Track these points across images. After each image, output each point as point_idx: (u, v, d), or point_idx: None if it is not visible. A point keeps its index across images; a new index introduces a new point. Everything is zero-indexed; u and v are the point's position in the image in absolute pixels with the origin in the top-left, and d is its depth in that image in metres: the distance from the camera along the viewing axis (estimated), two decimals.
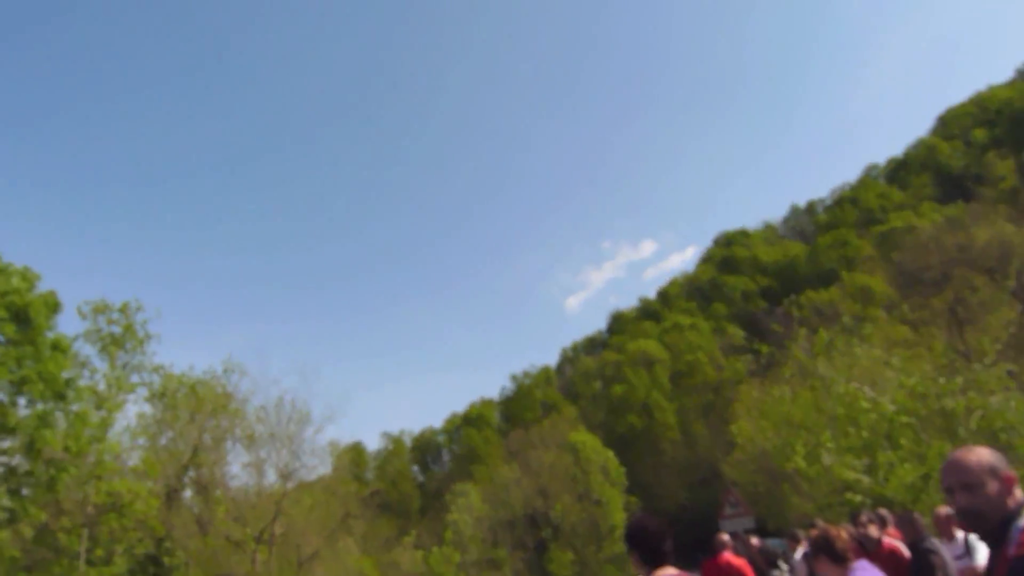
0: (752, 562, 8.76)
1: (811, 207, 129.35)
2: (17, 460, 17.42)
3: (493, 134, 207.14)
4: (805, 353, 17.08)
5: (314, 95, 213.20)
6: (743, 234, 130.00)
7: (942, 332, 32.83)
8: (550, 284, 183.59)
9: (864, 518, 7.11)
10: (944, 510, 6.76)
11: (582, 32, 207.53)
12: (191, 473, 25.42)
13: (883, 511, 7.97)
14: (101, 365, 21.82)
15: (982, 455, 2.25)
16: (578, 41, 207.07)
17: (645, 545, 3.38)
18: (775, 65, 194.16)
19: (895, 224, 79.35)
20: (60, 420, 18.04)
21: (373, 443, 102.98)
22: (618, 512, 51.67)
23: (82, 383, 19.97)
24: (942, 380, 13.78)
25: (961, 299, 36.74)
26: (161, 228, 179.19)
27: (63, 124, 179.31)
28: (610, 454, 56.49)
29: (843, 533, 4.45)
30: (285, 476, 22.78)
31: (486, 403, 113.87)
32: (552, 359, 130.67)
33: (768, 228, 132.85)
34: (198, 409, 24.59)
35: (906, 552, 6.12)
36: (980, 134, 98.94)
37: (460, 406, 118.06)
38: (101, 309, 21.93)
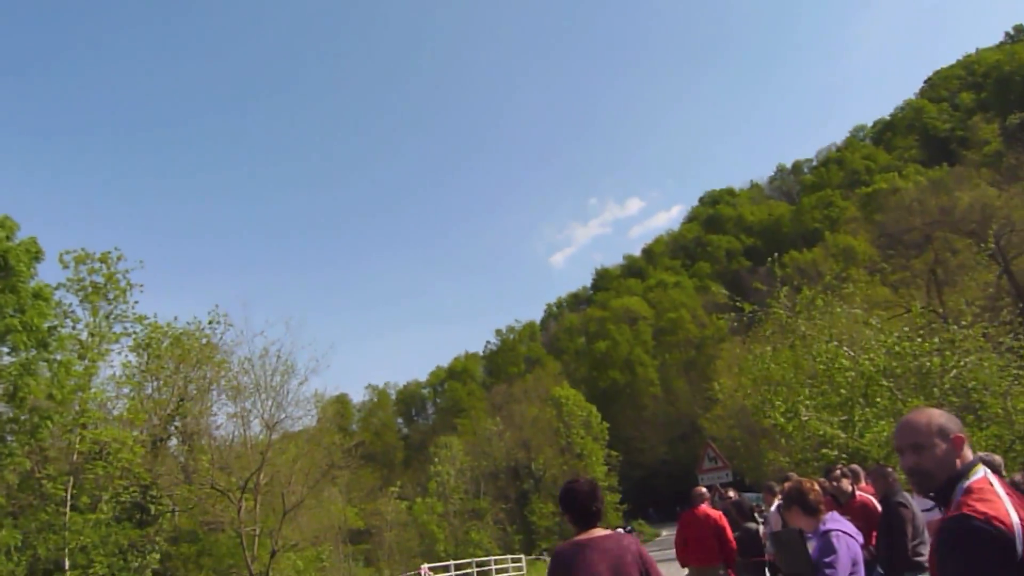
0: (728, 514, 8.98)
1: (797, 167, 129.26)
2: (0, 408, 17.42)
3: (481, 86, 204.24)
4: (786, 312, 17.30)
5: (298, 41, 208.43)
6: (729, 193, 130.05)
7: (921, 293, 33.32)
8: (535, 239, 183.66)
9: (837, 472, 7.28)
10: None
11: None
12: (176, 422, 25.56)
13: (856, 466, 8.17)
14: (84, 315, 21.71)
15: (932, 416, 2.27)
16: None
17: (576, 507, 3.63)
18: (765, 22, 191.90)
19: (880, 186, 79.61)
20: (43, 369, 17.98)
21: (358, 395, 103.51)
22: (599, 466, 52.63)
23: (64, 331, 19.88)
24: (919, 340, 14.05)
25: (941, 261, 37.20)
26: (144, 176, 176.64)
27: (43, 71, 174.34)
28: (593, 408, 57.28)
29: (815, 485, 4.50)
30: (270, 427, 22.89)
31: (470, 357, 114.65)
32: (537, 314, 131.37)
33: (754, 187, 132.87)
34: (183, 359, 24.59)
35: (878, 506, 6.25)
36: (967, 97, 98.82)
37: (445, 360, 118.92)
38: (82, 259, 21.65)
